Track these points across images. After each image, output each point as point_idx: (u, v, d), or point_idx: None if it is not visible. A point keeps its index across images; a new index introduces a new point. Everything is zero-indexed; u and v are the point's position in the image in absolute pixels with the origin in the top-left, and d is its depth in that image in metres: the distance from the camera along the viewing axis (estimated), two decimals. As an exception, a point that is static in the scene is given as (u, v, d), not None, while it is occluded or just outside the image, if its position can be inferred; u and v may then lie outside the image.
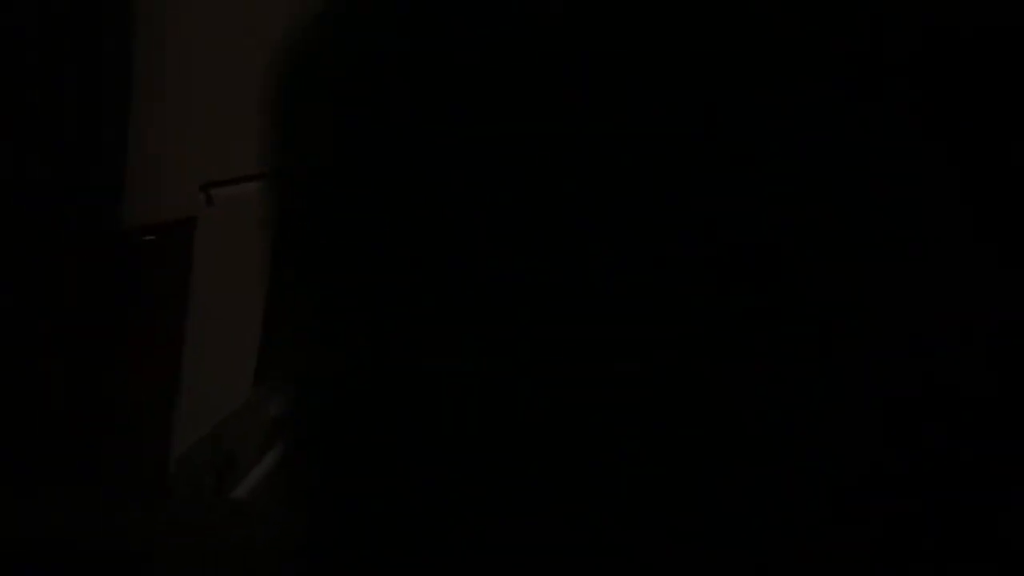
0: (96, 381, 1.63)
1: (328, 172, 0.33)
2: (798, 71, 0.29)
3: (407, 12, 0.31)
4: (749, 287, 0.29)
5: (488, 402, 0.29)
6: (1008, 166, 0.28)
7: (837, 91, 0.29)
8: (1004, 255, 0.28)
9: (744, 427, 0.29)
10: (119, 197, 1.59)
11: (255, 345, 2.18)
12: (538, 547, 0.30)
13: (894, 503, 0.29)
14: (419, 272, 0.30)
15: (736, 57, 0.29)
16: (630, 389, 0.29)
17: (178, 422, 1.80)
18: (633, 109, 0.29)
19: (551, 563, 0.30)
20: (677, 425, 0.29)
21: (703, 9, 0.29)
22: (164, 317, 1.74)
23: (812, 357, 0.29)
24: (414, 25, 0.31)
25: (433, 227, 0.30)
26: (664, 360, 0.29)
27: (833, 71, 0.29)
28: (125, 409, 1.68)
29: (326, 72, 0.33)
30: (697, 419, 0.29)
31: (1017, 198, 0.29)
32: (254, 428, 2.24)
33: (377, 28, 0.32)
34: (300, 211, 0.35)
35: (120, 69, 1.56)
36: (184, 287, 1.77)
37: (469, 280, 0.29)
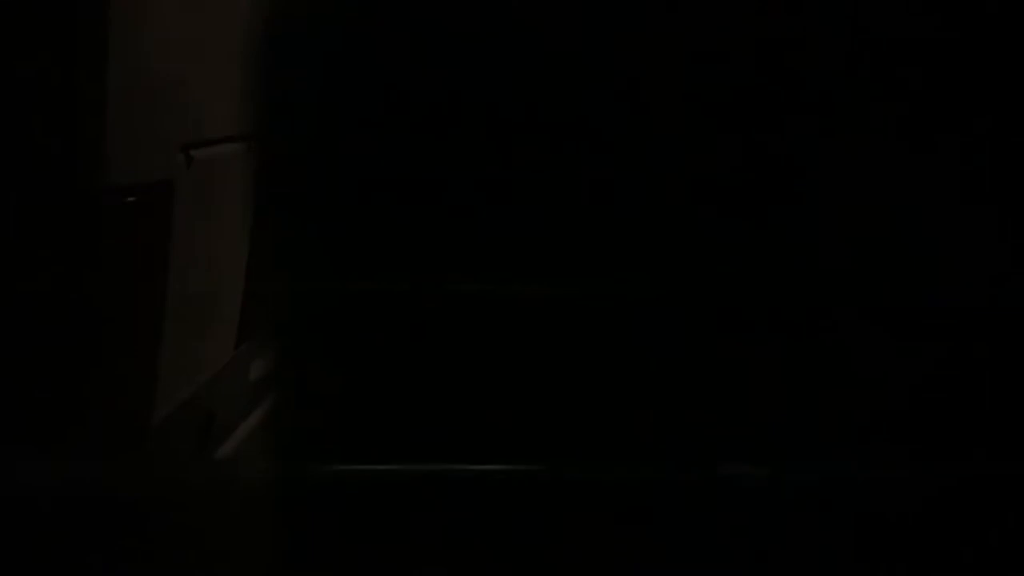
0: (76, 343, 1.62)
1: (310, 131, 0.33)
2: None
3: None
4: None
5: (477, 342, 0.29)
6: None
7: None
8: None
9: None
10: (98, 159, 1.58)
11: (237, 307, 2.18)
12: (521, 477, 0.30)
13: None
14: (402, 227, 0.30)
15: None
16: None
17: (160, 385, 1.80)
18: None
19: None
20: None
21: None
22: (145, 279, 1.74)
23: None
24: None
25: (414, 180, 0.30)
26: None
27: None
28: (106, 372, 1.68)
29: (308, 30, 0.33)
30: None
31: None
32: (237, 390, 2.24)
33: None
34: (282, 171, 0.35)
35: (97, 29, 1.54)
36: (165, 248, 1.77)
37: (452, 229, 0.29)
